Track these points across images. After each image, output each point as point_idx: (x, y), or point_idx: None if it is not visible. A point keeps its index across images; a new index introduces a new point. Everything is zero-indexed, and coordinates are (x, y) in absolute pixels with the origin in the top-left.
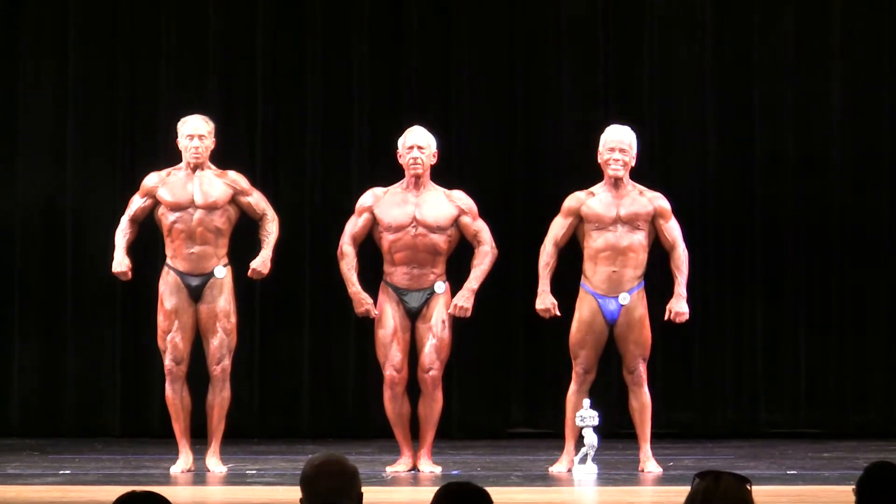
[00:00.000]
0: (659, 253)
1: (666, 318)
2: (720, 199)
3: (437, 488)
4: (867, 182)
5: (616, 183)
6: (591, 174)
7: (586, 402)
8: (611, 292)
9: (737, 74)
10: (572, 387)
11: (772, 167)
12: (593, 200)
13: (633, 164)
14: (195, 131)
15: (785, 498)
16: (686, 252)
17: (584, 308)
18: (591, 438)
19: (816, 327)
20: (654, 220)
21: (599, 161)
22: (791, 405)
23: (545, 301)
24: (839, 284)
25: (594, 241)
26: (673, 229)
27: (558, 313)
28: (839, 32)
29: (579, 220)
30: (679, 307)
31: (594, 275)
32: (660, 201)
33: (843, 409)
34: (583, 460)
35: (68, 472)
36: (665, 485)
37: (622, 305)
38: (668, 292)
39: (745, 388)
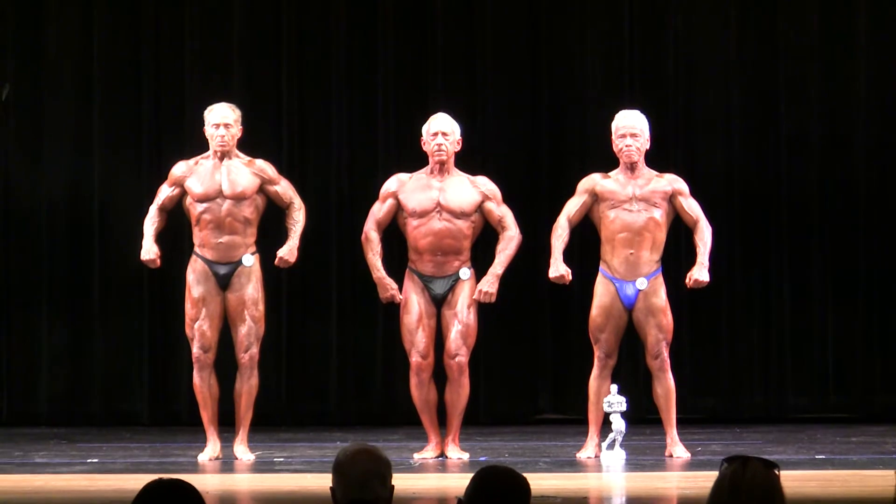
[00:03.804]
0: (677, 241)
1: (686, 284)
2: (745, 182)
3: (464, 475)
4: (893, 159)
5: (632, 167)
6: (615, 159)
7: (614, 387)
8: (628, 276)
9: (761, 55)
10: (594, 371)
11: (797, 148)
12: (608, 181)
13: (647, 147)
14: (222, 120)
15: (813, 482)
16: (709, 226)
17: (603, 292)
18: (618, 424)
19: (844, 310)
20: (673, 200)
21: (614, 149)
22: (819, 389)
23: (558, 268)
24: (866, 267)
25: (610, 222)
26: (693, 205)
27: (570, 277)
28: (865, 12)
29: (594, 199)
30: (700, 275)
31: (612, 259)
32: (677, 182)
33: (871, 392)
34: (611, 446)
35: (96, 460)
36: (693, 470)
37: (640, 290)
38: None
39: (773, 372)
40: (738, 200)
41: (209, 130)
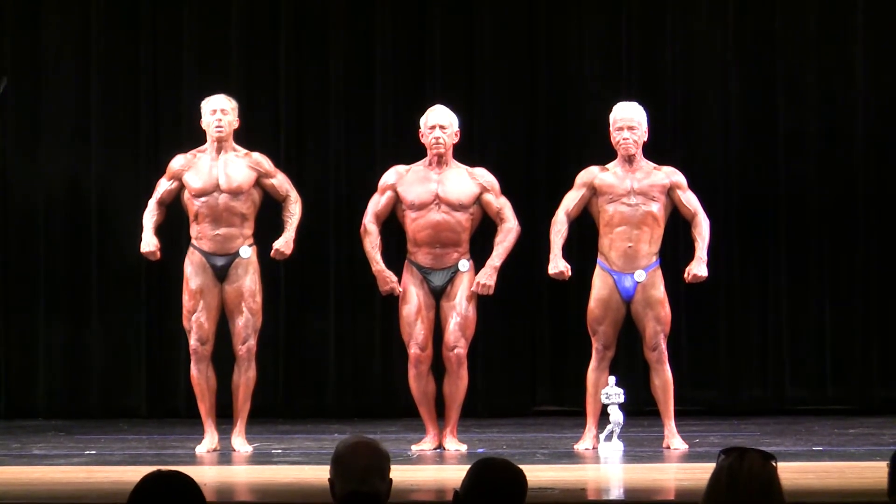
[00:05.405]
0: (676, 233)
1: (685, 279)
2: (743, 175)
3: (462, 467)
4: (891, 155)
5: (630, 159)
6: (613, 152)
7: (611, 379)
8: (626, 268)
9: (759, 49)
10: (592, 363)
11: (795, 142)
12: (606, 174)
13: (644, 139)
14: (218, 106)
15: (811, 474)
16: (707, 219)
17: (601, 285)
18: (616, 416)
19: (842, 303)
20: (671, 194)
21: (612, 141)
22: (817, 381)
23: (558, 265)
24: (864, 260)
25: (609, 216)
26: (692, 198)
27: (569, 273)
28: (863, 11)
29: (593, 193)
30: (698, 269)
31: (610, 251)
32: (675, 175)
33: (869, 384)
34: (608, 437)
35: (94, 452)
36: (690, 461)
37: (638, 283)
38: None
39: (771, 364)
40: (736, 198)
41: (206, 118)
